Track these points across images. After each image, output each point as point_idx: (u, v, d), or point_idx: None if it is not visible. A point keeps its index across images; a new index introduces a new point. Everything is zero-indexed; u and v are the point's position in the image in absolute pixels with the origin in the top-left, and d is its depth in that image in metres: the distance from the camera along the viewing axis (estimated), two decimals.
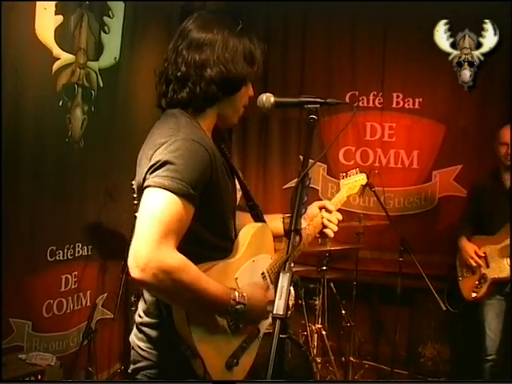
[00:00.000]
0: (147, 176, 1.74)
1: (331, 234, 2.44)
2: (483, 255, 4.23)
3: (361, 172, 2.96)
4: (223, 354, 1.90)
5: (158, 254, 1.62)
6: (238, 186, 2.19)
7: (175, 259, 1.66)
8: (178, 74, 1.89)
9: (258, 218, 2.24)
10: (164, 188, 1.67)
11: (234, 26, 1.94)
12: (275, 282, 2.13)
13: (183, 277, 1.66)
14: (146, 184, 1.73)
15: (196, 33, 1.90)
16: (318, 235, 2.48)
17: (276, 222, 2.39)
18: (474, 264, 4.25)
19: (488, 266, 4.21)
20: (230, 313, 1.82)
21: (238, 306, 1.81)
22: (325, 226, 2.45)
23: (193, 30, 1.91)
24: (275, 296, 1.57)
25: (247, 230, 2.09)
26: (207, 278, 1.77)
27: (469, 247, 4.31)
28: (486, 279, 4.19)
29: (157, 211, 1.67)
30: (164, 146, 1.75)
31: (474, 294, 4.26)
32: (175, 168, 1.70)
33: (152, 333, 1.91)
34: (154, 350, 1.90)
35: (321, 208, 2.48)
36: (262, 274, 2.12)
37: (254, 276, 2.07)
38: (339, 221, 2.49)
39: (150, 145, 1.82)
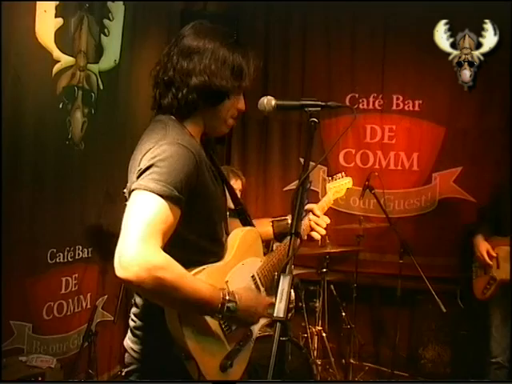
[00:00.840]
0: (134, 180, 1.77)
1: (318, 237, 2.44)
2: (495, 255, 4.20)
3: (346, 175, 3.00)
4: (217, 356, 1.91)
5: (140, 253, 1.63)
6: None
7: (158, 258, 1.66)
8: (165, 78, 1.92)
9: (246, 222, 2.27)
10: (148, 190, 1.70)
11: (228, 38, 1.96)
12: (266, 285, 2.18)
13: (166, 275, 1.66)
14: (132, 187, 1.75)
15: (189, 39, 1.93)
16: (305, 238, 2.48)
17: (265, 227, 2.42)
18: (485, 261, 4.22)
19: (498, 267, 4.19)
20: (221, 312, 1.80)
21: (230, 304, 1.80)
22: (312, 229, 2.46)
23: (187, 36, 1.94)
24: (275, 299, 1.57)
25: (236, 234, 2.11)
26: (193, 277, 1.78)
27: (482, 245, 4.25)
28: (494, 280, 4.17)
29: (141, 212, 1.69)
30: (151, 150, 1.78)
31: (483, 294, 4.24)
32: (160, 171, 1.72)
33: (145, 336, 1.92)
34: (147, 352, 1.91)
35: (308, 211, 2.48)
36: (253, 276, 2.13)
37: (244, 279, 2.08)
38: (327, 224, 2.49)
39: (138, 151, 1.85)
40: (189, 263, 1.80)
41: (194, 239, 1.90)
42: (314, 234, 2.45)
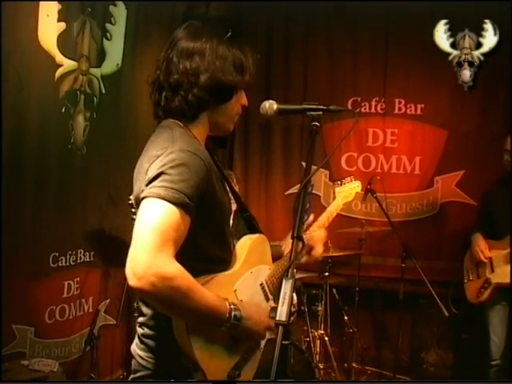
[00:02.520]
0: (144, 188, 1.75)
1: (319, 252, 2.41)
2: (490, 256, 4.18)
3: (355, 179, 2.99)
4: (225, 366, 1.89)
5: (154, 262, 1.61)
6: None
7: (172, 267, 1.64)
8: (171, 81, 1.89)
9: (254, 229, 2.24)
10: (159, 198, 1.67)
11: (223, 35, 1.95)
12: (274, 293, 2.14)
13: (180, 285, 1.65)
14: (142, 195, 1.72)
15: (185, 41, 1.91)
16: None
17: None
18: (481, 257, 4.19)
19: (493, 271, 4.19)
20: (227, 321, 1.78)
21: (236, 312, 1.79)
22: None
23: (182, 38, 1.92)
24: (278, 302, 1.57)
25: (244, 242, 2.09)
26: (203, 288, 1.75)
27: (481, 242, 4.24)
28: (489, 284, 4.17)
29: (153, 220, 1.66)
30: (160, 158, 1.75)
31: (477, 298, 4.24)
32: (171, 178, 1.70)
33: (153, 344, 1.90)
34: (155, 359, 1.90)
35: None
36: (261, 284, 2.11)
37: (253, 287, 2.06)
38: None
39: (146, 158, 1.83)
40: (198, 272, 1.78)
41: (205, 247, 1.88)
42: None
